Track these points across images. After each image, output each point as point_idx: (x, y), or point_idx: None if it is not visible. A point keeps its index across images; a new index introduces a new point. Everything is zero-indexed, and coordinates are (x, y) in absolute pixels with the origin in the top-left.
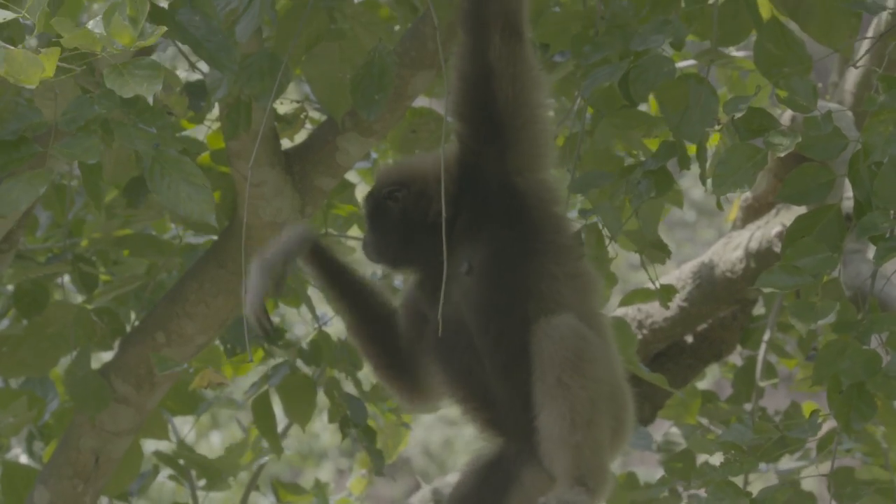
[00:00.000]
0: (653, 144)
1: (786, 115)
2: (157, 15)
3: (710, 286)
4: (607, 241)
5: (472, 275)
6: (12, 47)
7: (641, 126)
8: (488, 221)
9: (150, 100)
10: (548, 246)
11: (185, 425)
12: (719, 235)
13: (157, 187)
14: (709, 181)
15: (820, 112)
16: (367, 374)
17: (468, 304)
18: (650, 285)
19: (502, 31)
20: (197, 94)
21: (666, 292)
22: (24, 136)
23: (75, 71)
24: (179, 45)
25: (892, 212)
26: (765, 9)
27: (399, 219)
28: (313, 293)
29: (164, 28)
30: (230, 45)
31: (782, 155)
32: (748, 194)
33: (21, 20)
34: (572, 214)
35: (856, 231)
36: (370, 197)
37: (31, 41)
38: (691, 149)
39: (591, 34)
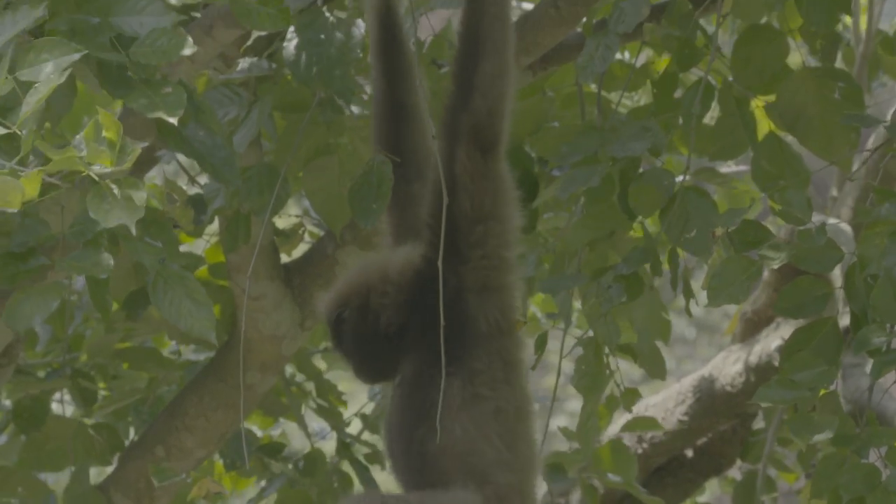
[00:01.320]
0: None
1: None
2: (163, 129)
3: (709, 400)
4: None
5: (401, 387)
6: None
7: (614, 225)
8: (433, 335)
9: (133, 230)
10: (461, 369)
11: None
12: (719, 352)
13: (160, 302)
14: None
15: (815, 224)
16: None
17: (394, 416)
18: (648, 400)
19: (469, 146)
20: (198, 208)
21: (629, 395)
22: (31, 248)
23: (61, 189)
24: (179, 159)
25: (888, 325)
26: (763, 123)
27: (356, 337)
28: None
29: (138, 150)
30: (234, 159)
31: (776, 267)
32: (747, 308)
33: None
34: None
35: (853, 345)
36: (327, 328)
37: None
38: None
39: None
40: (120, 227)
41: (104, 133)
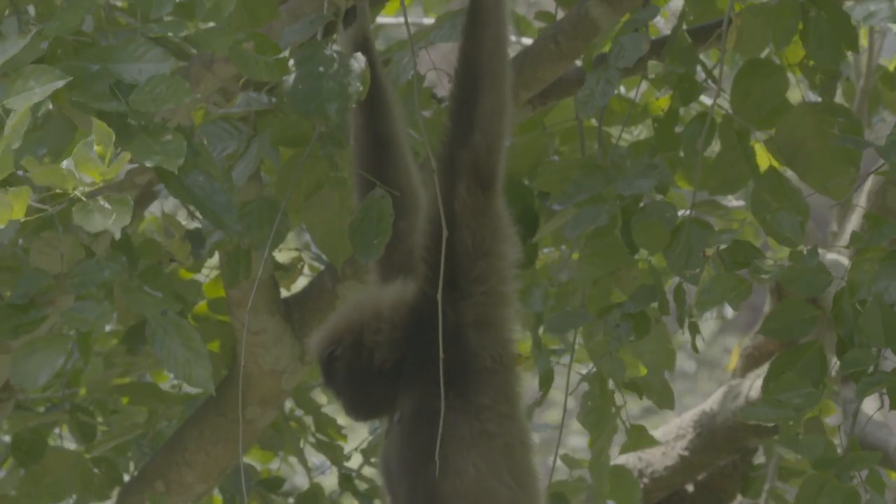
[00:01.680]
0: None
1: None
2: (163, 174)
3: (710, 435)
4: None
5: (401, 424)
6: None
7: (618, 262)
8: (432, 370)
9: (118, 234)
10: (467, 405)
11: None
12: (720, 387)
13: (158, 350)
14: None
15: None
16: None
17: (393, 452)
18: (651, 432)
19: (469, 182)
20: (197, 243)
21: (636, 432)
22: (32, 300)
23: (47, 213)
24: None
25: (875, 349)
26: (762, 157)
27: (349, 374)
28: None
29: (128, 156)
30: (233, 204)
31: (766, 285)
32: (748, 343)
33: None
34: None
35: (840, 367)
36: (319, 366)
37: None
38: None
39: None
40: (118, 277)
41: (95, 147)
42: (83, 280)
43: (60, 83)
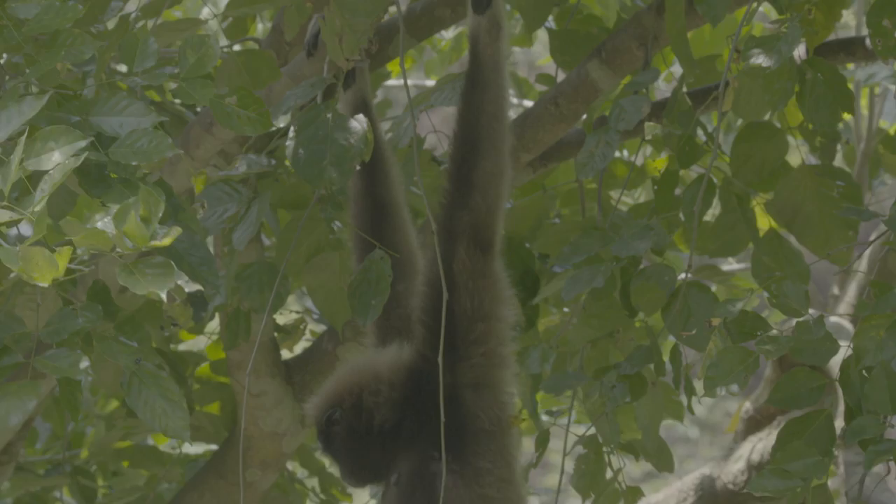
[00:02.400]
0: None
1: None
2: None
3: (712, 498)
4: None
5: (399, 486)
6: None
7: (616, 323)
8: (430, 431)
9: (164, 296)
10: (466, 468)
11: None
12: (722, 452)
13: (134, 402)
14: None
15: (812, 317)
16: None
17: None
18: (650, 498)
19: (468, 244)
20: (199, 306)
21: (632, 493)
22: (6, 347)
23: (82, 272)
24: None
25: (882, 417)
26: (762, 220)
27: (348, 438)
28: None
29: (180, 229)
30: (212, 259)
31: (774, 358)
32: (749, 406)
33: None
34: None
35: (848, 437)
36: (316, 430)
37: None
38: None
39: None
40: (94, 326)
41: (141, 210)
42: (58, 328)
43: (82, 143)
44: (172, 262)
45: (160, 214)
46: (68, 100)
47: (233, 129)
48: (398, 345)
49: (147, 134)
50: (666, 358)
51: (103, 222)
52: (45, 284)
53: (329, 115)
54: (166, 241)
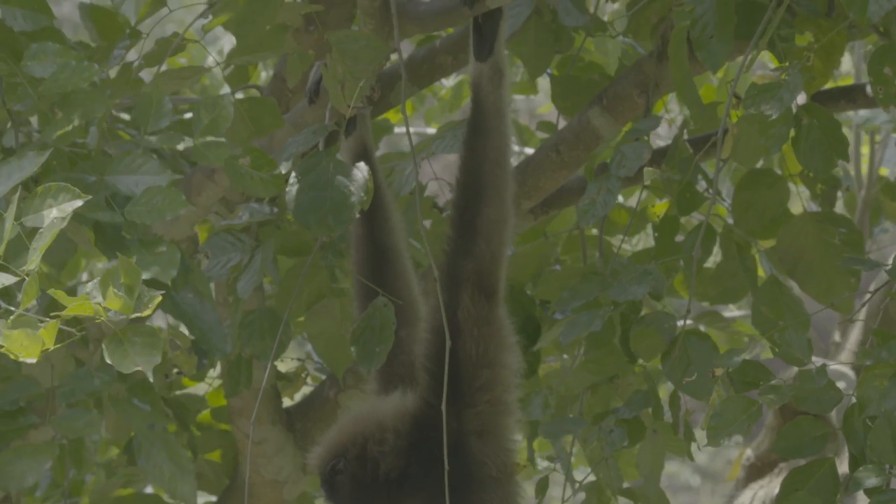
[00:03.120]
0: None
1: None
2: (154, 287)
3: None
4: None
5: None
6: (12, 309)
7: (616, 369)
8: (436, 479)
9: (150, 374)
10: None
11: None
12: (723, 500)
13: (144, 462)
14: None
15: (815, 365)
16: None
17: None
18: None
19: (473, 291)
20: (201, 353)
21: None
22: (21, 407)
23: (74, 337)
24: None
25: (886, 466)
26: (762, 268)
27: (353, 487)
28: None
29: (159, 297)
30: (221, 324)
31: (777, 408)
32: (750, 453)
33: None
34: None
35: (851, 486)
36: (321, 481)
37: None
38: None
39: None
40: (107, 388)
41: (122, 279)
42: (72, 389)
43: (80, 202)
44: (159, 331)
45: (140, 282)
46: (82, 158)
47: (247, 191)
48: (402, 392)
49: (162, 192)
50: (665, 404)
51: (92, 284)
52: (32, 360)
53: (330, 163)
54: (147, 312)
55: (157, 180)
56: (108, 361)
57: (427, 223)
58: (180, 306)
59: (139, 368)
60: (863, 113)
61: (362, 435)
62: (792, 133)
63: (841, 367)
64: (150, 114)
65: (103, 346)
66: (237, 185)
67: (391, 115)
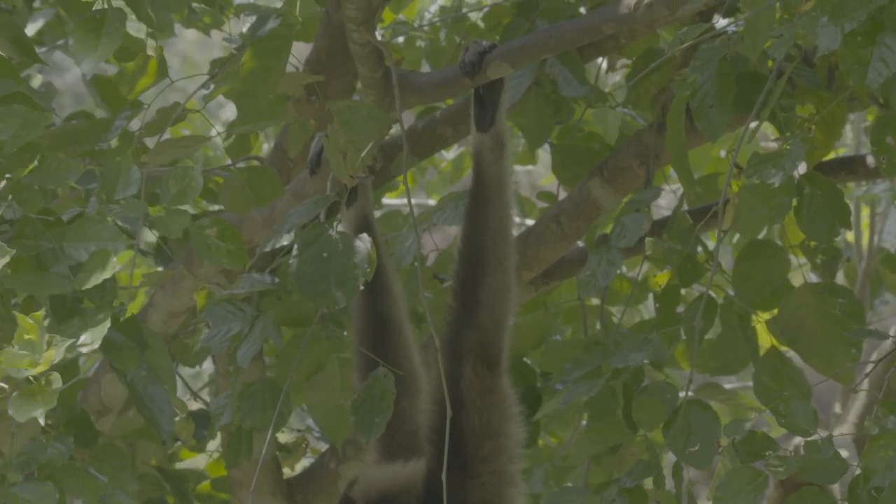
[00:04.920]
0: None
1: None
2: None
3: None
4: None
5: None
6: None
7: (618, 439)
8: None
9: (42, 420)
10: None
11: None
12: None
13: None
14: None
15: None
16: None
17: None
18: None
19: (475, 363)
20: (201, 423)
21: None
22: None
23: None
24: (181, 373)
25: None
26: (764, 338)
27: None
28: None
29: (52, 352)
30: (170, 406)
31: (782, 479)
32: None
33: None
34: None
35: None
36: None
37: None
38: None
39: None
40: (60, 458)
41: (25, 335)
42: (27, 459)
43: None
44: (56, 381)
45: (42, 334)
46: (50, 226)
47: (211, 262)
48: (401, 463)
49: (106, 255)
50: (668, 474)
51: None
52: None
53: (333, 234)
54: (40, 368)
55: (111, 247)
56: (10, 412)
57: (428, 294)
58: (131, 382)
59: (33, 416)
60: (861, 187)
61: (387, 497)
62: (794, 202)
63: (843, 438)
64: (117, 181)
65: (10, 401)
66: (201, 254)
67: (391, 194)
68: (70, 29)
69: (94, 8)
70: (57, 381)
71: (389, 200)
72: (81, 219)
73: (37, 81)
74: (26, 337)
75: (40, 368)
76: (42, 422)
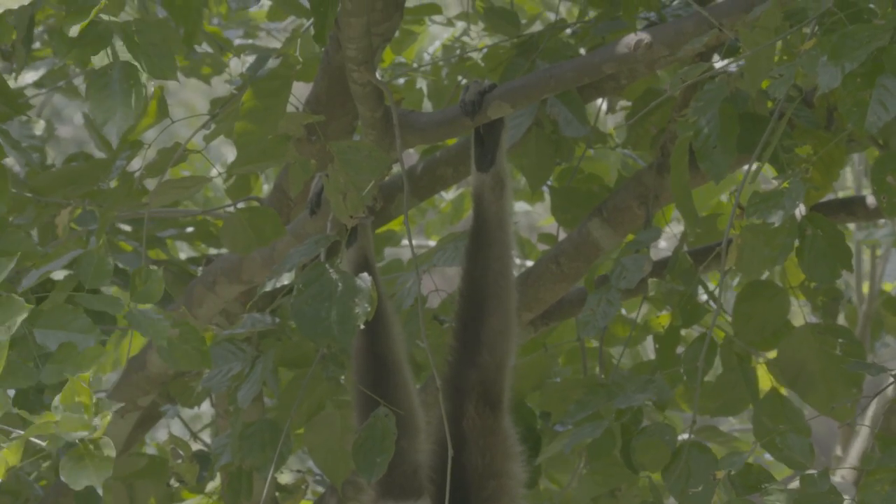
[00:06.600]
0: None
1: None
2: None
3: None
4: None
5: None
6: None
7: (618, 481)
8: None
9: (100, 490)
10: None
11: None
12: None
13: None
14: None
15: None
16: None
17: None
18: None
19: (477, 402)
20: (204, 464)
21: None
22: None
23: (45, 451)
24: (182, 415)
25: None
26: (764, 379)
27: None
28: None
29: (108, 416)
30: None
31: None
32: None
33: None
34: None
35: None
36: None
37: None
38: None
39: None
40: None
41: (76, 398)
42: None
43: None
44: (111, 453)
45: (94, 398)
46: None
47: (171, 365)
48: (412, 501)
49: (73, 351)
50: None
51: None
52: None
53: (333, 274)
54: (98, 434)
55: (84, 339)
56: (63, 478)
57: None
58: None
59: (91, 484)
60: (862, 230)
61: None
62: (796, 244)
63: (841, 480)
64: (91, 270)
65: (61, 463)
66: (161, 356)
67: (393, 225)
68: (86, 94)
69: (97, 57)
70: (109, 446)
71: (391, 249)
72: (53, 305)
73: (39, 127)
74: (77, 399)
75: (98, 434)
76: (100, 490)
